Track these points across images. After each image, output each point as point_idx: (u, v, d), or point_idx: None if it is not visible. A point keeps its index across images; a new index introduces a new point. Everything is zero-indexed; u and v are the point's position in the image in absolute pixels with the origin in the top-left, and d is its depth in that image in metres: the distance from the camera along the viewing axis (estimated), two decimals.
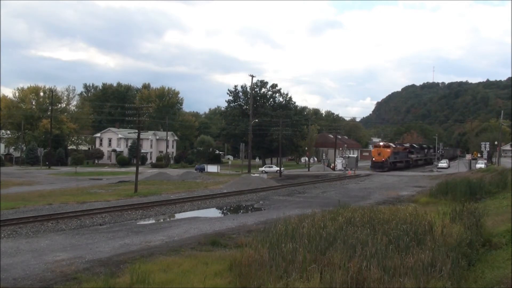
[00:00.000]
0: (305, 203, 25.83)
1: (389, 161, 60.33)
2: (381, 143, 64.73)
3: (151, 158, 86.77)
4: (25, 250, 13.13)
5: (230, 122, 78.33)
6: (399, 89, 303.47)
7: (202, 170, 59.85)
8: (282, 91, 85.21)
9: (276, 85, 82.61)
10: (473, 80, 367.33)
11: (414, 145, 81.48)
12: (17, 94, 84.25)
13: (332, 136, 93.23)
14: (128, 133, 77.79)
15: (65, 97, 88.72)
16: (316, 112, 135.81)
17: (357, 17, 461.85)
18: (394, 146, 65.13)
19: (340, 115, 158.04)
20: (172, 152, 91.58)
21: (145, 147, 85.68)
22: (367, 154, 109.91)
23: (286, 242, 10.24)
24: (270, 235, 11.28)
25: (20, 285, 9.72)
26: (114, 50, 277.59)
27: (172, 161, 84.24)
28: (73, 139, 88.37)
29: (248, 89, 77.97)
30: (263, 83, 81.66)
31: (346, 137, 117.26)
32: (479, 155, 78.41)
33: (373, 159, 61.80)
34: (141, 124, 36.58)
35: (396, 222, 12.40)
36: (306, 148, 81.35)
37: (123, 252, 13.00)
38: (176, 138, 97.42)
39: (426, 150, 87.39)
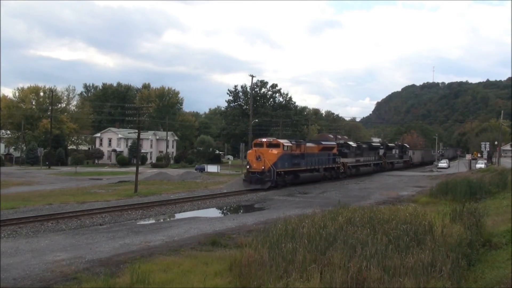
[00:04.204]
0: (305, 203, 25.82)
1: (276, 169, 32.94)
2: (264, 139, 35.59)
3: (151, 158, 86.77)
4: (25, 250, 13.12)
5: (230, 122, 78.45)
6: (399, 89, 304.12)
7: (202, 170, 59.82)
8: (282, 91, 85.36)
9: (276, 85, 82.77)
10: (473, 80, 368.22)
11: (351, 143, 50.56)
12: (17, 94, 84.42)
13: (332, 136, 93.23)
14: (128, 133, 77.81)
15: (65, 97, 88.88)
16: (316, 112, 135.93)
17: (356, 17, 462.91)
18: (290, 143, 35.70)
19: (340, 115, 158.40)
20: (172, 152, 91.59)
21: (145, 147, 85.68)
22: None
23: (286, 242, 10.24)
24: (270, 235, 11.28)
25: (20, 285, 9.72)
26: (113, 50, 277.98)
27: (172, 161, 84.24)
28: (73, 139, 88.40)
29: (248, 89, 78.01)
30: (263, 83, 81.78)
31: (346, 137, 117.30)
32: (479, 155, 78.49)
33: (248, 167, 34.29)
34: (141, 124, 36.59)
35: (396, 222, 12.39)
36: None
37: (123, 252, 12.99)
38: (176, 138, 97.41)
39: (382, 151, 58.64)
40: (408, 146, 77.17)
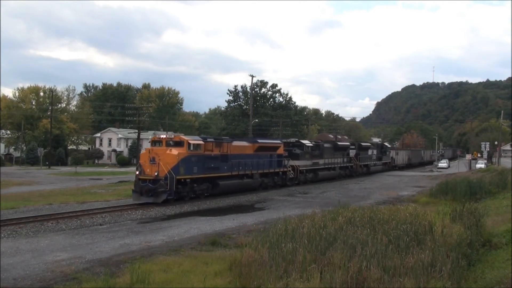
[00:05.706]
0: (305, 203, 25.82)
1: (176, 176, 24.00)
2: (163, 136, 27.61)
3: None
4: (25, 250, 13.13)
5: (230, 122, 78.54)
6: (399, 89, 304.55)
7: None
8: (282, 91, 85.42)
9: (276, 85, 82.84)
10: (473, 80, 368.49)
11: (305, 142, 40.17)
12: (17, 94, 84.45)
13: (332, 136, 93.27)
14: (128, 133, 77.85)
15: (65, 97, 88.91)
16: (316, 112, 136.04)
17: (356, 17, 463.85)
18: (200, 141, 26.83)
19: (340, 115, 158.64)
20: None
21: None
22: None
23: (286, 242, 10.24)
24: (270, 235, 11.28)
25: (20, 285, 9.72)
26: (113, 49, 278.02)
27: None
28: (73, 139, 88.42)
29: (248, 89, 78.02)
30: (263, 83, 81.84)
31: (346, 137, 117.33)
32: (479, 155, 78.51)
33: (137, 173, 25.01)
34: (141, 124, 36.64)
35: (396, 222, 12.39)
36: None
37: (123, 252, 13.00)
38: None
39: (353, 151, 48.96)
40: (389, 146, 68.85)
